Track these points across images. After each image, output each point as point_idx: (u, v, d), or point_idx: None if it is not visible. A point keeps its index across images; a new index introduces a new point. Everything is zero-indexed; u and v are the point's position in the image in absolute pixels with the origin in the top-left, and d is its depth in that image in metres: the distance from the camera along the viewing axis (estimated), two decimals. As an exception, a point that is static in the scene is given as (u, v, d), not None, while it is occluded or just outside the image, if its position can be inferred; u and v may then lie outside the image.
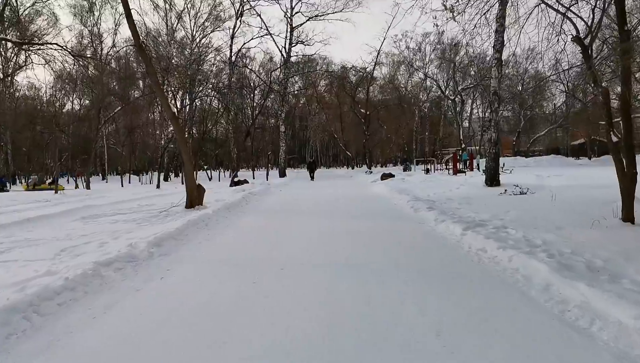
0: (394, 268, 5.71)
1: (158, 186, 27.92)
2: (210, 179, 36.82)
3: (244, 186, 20.75)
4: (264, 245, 7.65)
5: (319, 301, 4.51)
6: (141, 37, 11.97)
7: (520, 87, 67.48)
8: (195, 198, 13.34)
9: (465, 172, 30.48)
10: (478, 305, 4.29)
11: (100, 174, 57.28)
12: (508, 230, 7.56)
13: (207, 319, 4.12)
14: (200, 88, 49.43)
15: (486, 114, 75.43)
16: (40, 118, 39.79)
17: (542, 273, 5.11)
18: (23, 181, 47.51)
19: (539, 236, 6.96)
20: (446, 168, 37.08)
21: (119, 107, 31.69)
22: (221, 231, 9.45)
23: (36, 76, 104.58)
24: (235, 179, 23.39)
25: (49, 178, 34.31)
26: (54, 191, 24.99)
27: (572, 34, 15.76)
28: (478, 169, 35.32)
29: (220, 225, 10.24)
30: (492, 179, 17.43)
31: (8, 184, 35.43)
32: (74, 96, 50.36)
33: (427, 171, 35.76)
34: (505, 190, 14.80)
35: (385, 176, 24.16)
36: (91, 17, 48.76)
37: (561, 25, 10.19)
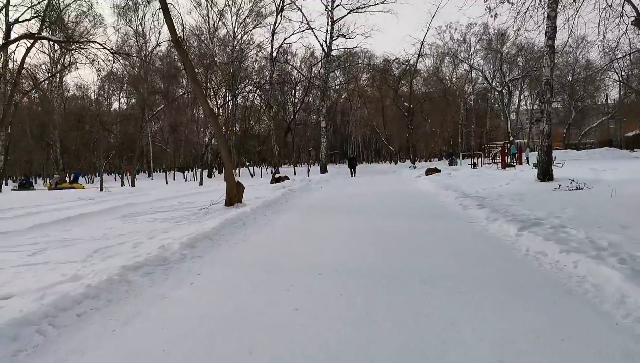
0: (443, 277, 5.13)
1: (201, 183, 28.03)
2: (252, 176, 36.81)
3: (284, 183, 20.43)
4: (302, 247, 7.20)
5: (354, 316, 4.01)
6: (178, 32, 11.67)
7: (570, 77, 64.83)
8: (234, 195, 13.06)
9: (514, 166, 29.27)
10: (545, 324, 3.68)
11: (146, 172, 58.51)
12: (568, 230, 6.85)
13: (232, 333, 3.69)
14: (242, 85, 49.77)
15: (535, 105, 72.95)
16: (87, 117, 40.79)
17: (615, 282, 4.44)
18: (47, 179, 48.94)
19: (603, 236, 6.23)
20: (494, 162, 35.78)
21: (162, 105, 31.95)
22: (258, 230, 9.08)
23: (81, 76, 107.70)
24: (277, 176, 23.12)
25: (69, 177, 35.03)
26: (99, 189, 25.42)
27: (634, 16, 14.64)
28: (527, 162, 33.95)
29: (258, 224, 9.88)
30: (545, 174, 16.45)
31: (34, 183, 36.45)
32: (120, 94, 51.68)
33: (474, 165, 34.60)
34: (560, 185, 13.87)
35: (430, 171, 23.34)
36: (135, 17, 49.75)
37: (622, 6, 9.31)
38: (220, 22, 52.13)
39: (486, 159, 38.70)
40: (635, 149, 48.59)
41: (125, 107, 54.33)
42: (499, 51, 53.84)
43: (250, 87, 55.82)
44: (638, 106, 49.75)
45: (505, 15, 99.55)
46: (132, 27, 49.55)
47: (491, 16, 15.12)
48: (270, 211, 11.88)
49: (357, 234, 8.15)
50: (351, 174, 29.99)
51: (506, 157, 31.98)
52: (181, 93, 30.37)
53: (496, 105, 72.77)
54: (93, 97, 56.26)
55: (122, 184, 34.43)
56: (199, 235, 7.91)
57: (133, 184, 31.71)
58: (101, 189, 25.29)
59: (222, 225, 9.18)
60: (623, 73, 45.27)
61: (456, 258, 5.99)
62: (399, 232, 8.12)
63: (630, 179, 14.66)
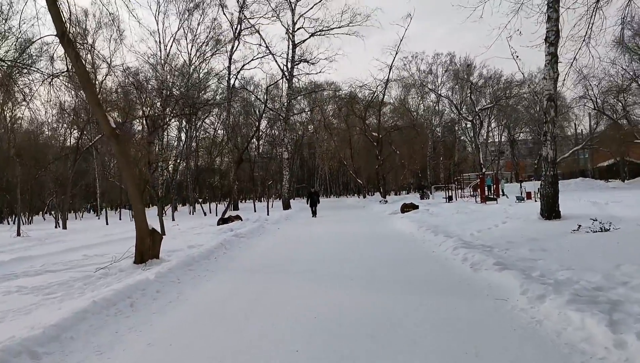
0: None
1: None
2: (205, 214, 32.91)
3: (232, 225, 16.80)
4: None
5: None
6: (65, 24, 8.18)
7: (537, 108, 63.98)
8: (147, 248, 9.42)
9: (495, 199, 26.34)
10: None
11: (92, 211, 53.78)
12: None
13: None
14: (200, 116, 46.26)
15: (502, 137, 71.83)
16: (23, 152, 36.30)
17: None
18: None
19: None
20: (471, 195, 32.91)
21: (99, 135, 27.98)
22: (151, 316, 5.47)
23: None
24: (226, 216, 19.46)
25: None
26: (15, 234, 21.18)
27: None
28: (502, 194, 31.29)
29: (159, 301, 6.26)
30: (551, 210, 13.34)
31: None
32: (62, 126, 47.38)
33: (449, 198, 31.63)
34: (580, 226, 10.67)
35: (406, 207, 20.03)
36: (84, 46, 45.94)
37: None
38: (176, 50, 49.18)
39: (461, 191, 35.89)
40: (610, 180, 46.87)
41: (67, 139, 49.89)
42: (469, 80, 52.05)
43: (208, 119, 52.52)
44: (611, 136, 48.30)
45: (476, 44, 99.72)
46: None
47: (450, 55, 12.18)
48: (192, 274, 8.24)
49: (316, 327, 4.65)
50: (312, 214, 23.76)
51: (485, 189, 29.15)
52: (122, 123, 26.45)
53: (462, 137, 71.51)
54: (47, 131, 51.82)
55: (57, 226, 29.98)
56: (49, 329, 4.36)
57: (64, 226, 27.42)
58: (18, 234, 21.05)
59: (100, 306, 5.60)
60: (598, 100, 43.62)
61: None
62: (385, 327, 4.65)
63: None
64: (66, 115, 40.01)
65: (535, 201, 24.42)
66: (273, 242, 12.97)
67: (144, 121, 18.73)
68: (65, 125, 48.43)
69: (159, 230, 16.62)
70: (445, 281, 6.57)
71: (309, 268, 8.25)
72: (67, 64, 9.22)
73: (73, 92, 29.37)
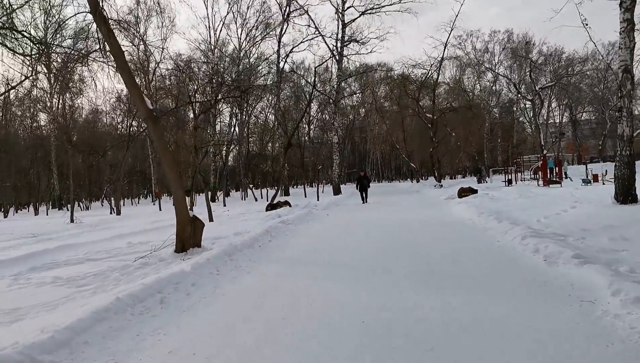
0: None
1: (191, 210, 23.92)
2: (256, 199, 32.68)
3: (280, 211, 16.23)
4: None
5: None
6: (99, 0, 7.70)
7: (602, 86, 60.19)
8: (188, 237, 8.95)
9: (559, 182, 24.59)
10: None
11: (149, 196, 55.05)
12: None
13: None
14: (250, 100, 46.08)
15: (564, 118, 67.88)
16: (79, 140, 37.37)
17: None
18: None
19: None
20: (532, 178, 31.04)
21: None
22: (180, 316, 4.89)
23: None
24: (275, 202, 18.95)
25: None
26: (69, 220, 21.55)
27: None
28: (566, 176, 29.28)
29: (192, 298, 5.68)
30: (627, 194, 11.97)
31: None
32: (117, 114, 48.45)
33: (509, 182, 29.95)
34: (668, 212, 9.38)
35: (464, 192, 18.79)
36: (137, 31, 46.69)
37: None
38: (226, 35, 49.16)
39: (521, 174, 34.00)
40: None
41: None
42: (528, 57, 49.17)
43: (260, 105, 52.32)
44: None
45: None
46: (133, 44, 46.57)
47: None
48: (233, 264, 7.66)
49: (363, 337, 3.91)
50: (362, 200, 21.90)
51: (547, 172, 27.34)
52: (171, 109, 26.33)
53: (521, 118, 68.11)
54: (106, 120, 53.44)
55: (111, 212, 30.53)
56: (61, 332, 3.91)
57: (118, 212, 27.83)
58: (71, 221, 21.41)
59: (125, 304, 5.08)
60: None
61: None
62: (447, 338, 3.83)
63: None
64: (122, 103, 40.77)
65: (604, 183, 22.63)
66: (320, 230, 12.27)
67: (192, 106, 18.30)
68: (120, 113, 49.70)
69: (207, 217, 16.41)
70: (516, 277, 5.63)
71: (357, 260, 7.47)
72: (99, 42, 8.76)
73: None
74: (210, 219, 15.95)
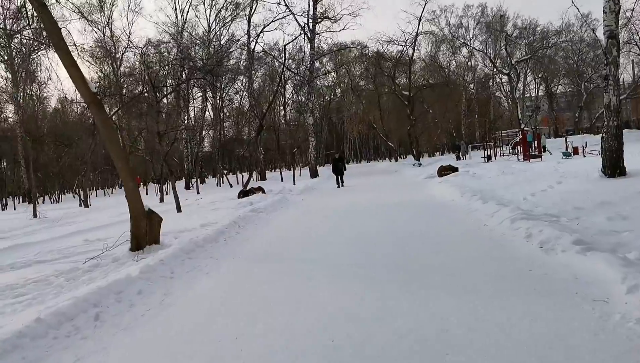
0: None
1: (161, 200, 22.91)
2: (231, 186, 31.63)
3: (252, 198, 15.35)
4: None
5: None
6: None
7: (577, 58, 60.19)
8: (143, 234, 8.02)
9: (540, 156, 24.14)
10: None
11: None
12: None
13: None
14: (223, 84, 44.76)
15: (539, 92, 67.81)
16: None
17: None
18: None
19: None
20: (512, 153, 30.59)
21: (117, 108, 26.73)
22: (114, 337, 4.03)
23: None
24: (248, 188, 18.03)
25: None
26: (32, 216, 20.37)
27: None
28: (544, 150, 28.90)
29: (135, 311, 4.83)
30: (615, 167, 11.37)
31: None
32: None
33: (489, 158, 29.47)
34: (660, 184, 8.76)
35: (444, 170, 18.08)
36: (102, 17, 44.82)
37: None
38: (194, 17, 47.54)
39: (500, 150, 33.56)
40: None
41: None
42: (503, 31, 48.59)
43: (234, 88, 50.92)
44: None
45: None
46: (99, 29, 44.73)
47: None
48: (191, 264, 6.79)
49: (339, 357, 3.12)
50: (337, 184, 20.26)
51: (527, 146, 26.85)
52: (138, 93, 25.00)
53: (497, 93, 67.83)
54: (77, 109, 51.41)
55: (80, 204, 29.23)
56: None
57: (87, 205, 26.63)
58: (34, 216, 20.23)
59: (47, 325, 4.22)
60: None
61: None
62: (435, 351, 3.06)
63: None
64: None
65: (584, 156, 22.25)
66: (293, 217, 11.42)
67: (154, 91, 17.18)
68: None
69: (175, 207, 15.46)
70: (510, 270, 4.89)
71: (328, 254, 6.67)
72: (28, 18, 7.69)
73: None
74: (179, 210, 15.00)
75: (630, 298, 3.57)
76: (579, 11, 12.87)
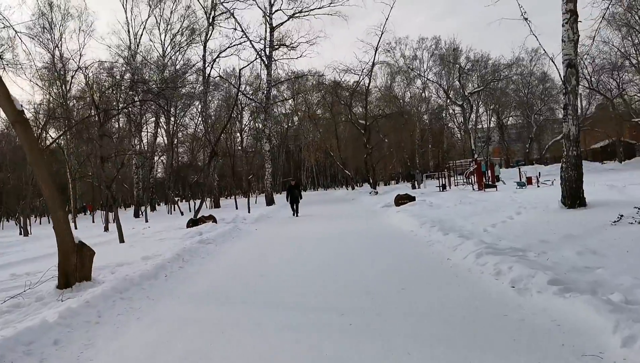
0: None
1: (106, 229, 21.60)
2: (182, 213, 30.41)
3: (202, 227, 14.47)
4: None
5: None
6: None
7: (526, 90, 62.53)
8: (73, 270, 7.11)
9: (495, 186, 24.30)
10: None
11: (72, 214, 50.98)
12: None
13: None
14: (177, 110, 43.75)
15: (491, 123, 69.85)
16: None
17: None
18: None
19: None
20: (466, 183, 30.82)
21: (63, 130, 25.37)
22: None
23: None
24: (198, 216, 17.13)
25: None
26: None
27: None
28: (498, 180, 29.26)
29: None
30: (575, 197, 11.24)
31: None
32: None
33: (443, 187, 29.57)
34: (621, 216, 8.54)
35: (401, 199, 17.73)
36: (52, 39, 43.28)
37: None
38: (148, 41, 46.57)
39: (454, 179, 33.81)
40: (604, 161, 45.17)
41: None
42: (457, 63, 49.89)
43: (189, 114, 49.91)
44: (605, 116, 46.59)
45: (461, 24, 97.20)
46: (48, 50, 43.13)
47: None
48: (123, 305, 5.97)
49: None
50: (293, 213, 19.45)
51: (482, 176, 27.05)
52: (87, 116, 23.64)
53: (450, 124, 69.46)
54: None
55: (21, 233, 27.30)
56: None
57: (26, 233, 24.89)
58: (-38, 246, 18.56)
59: None
60: (592, 79, 41.81)
61: None
62: None
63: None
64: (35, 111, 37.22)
65: (538, 186, 22.51)
66: (243, 250, 10.62)
67: (98, 113, 16.19)
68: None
69: (117, 237, 14.41)
70: (484, 314, 4.35)
71: (278, 294, 5.99)
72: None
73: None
74: (121, 240, 13.95)
75: (628, 353, 3.09)
76: (537, 40, 12.87)
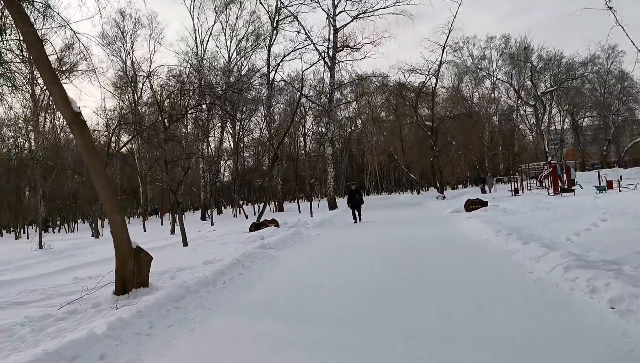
0: None
1: (172, 232, 22.00)
2: (247, 217, 30.65)
3: (264, 232, 14.24)
4: None
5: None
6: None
7: (602, 90, 58.80)
8: (129, 276, 6.94)
9: (572, 191, 22.66)
10: None
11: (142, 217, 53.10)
12: None
13: None
14: (242, 115, 44.39)
15: (565, 124, 66.08)
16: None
17: None
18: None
19: None
20: (541, 187, 29.05)
21: (132, 136, 26.25)
22: None
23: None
24: (261, 220, 16.96)
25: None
26: (37, 246, 19.57)
27: None
28: (574, 184, 27.32)
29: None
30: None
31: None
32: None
33: (516, 191, 28.02)
34: None
35: (472, 204, 16.72)
36: (123, 49, 45.22)
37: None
38: (215, 47, 47.88)
39: (527, 183, 32.03)
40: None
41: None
42: (529, 61, 47.48)
43: (255, 118, 50.62)
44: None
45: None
46: (120, 58, 45.11)
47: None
48: (177, 315, 5.67)
49: None
50: (354, 219, 18.39)
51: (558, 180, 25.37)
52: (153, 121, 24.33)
53: (521, 125, 66.31)
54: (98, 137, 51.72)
55: (93, 234, 28.48)
56: None
57: (97, 235, 25.88)
58: (40, 247, 19.43)
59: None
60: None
61: None
62: None
63: None
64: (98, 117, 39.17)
65: (620, 190, 20.78)
66: (304, 257, 10.18)
67: (162, 118, 16.45)
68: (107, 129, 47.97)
69: (181, 241, 14.47)
70: (584, 343, 3.63)
71: (339, 310, 5.45)
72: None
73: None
74: (185, 244, 13.97)
75: None
76: (623, 30, 11.66)
